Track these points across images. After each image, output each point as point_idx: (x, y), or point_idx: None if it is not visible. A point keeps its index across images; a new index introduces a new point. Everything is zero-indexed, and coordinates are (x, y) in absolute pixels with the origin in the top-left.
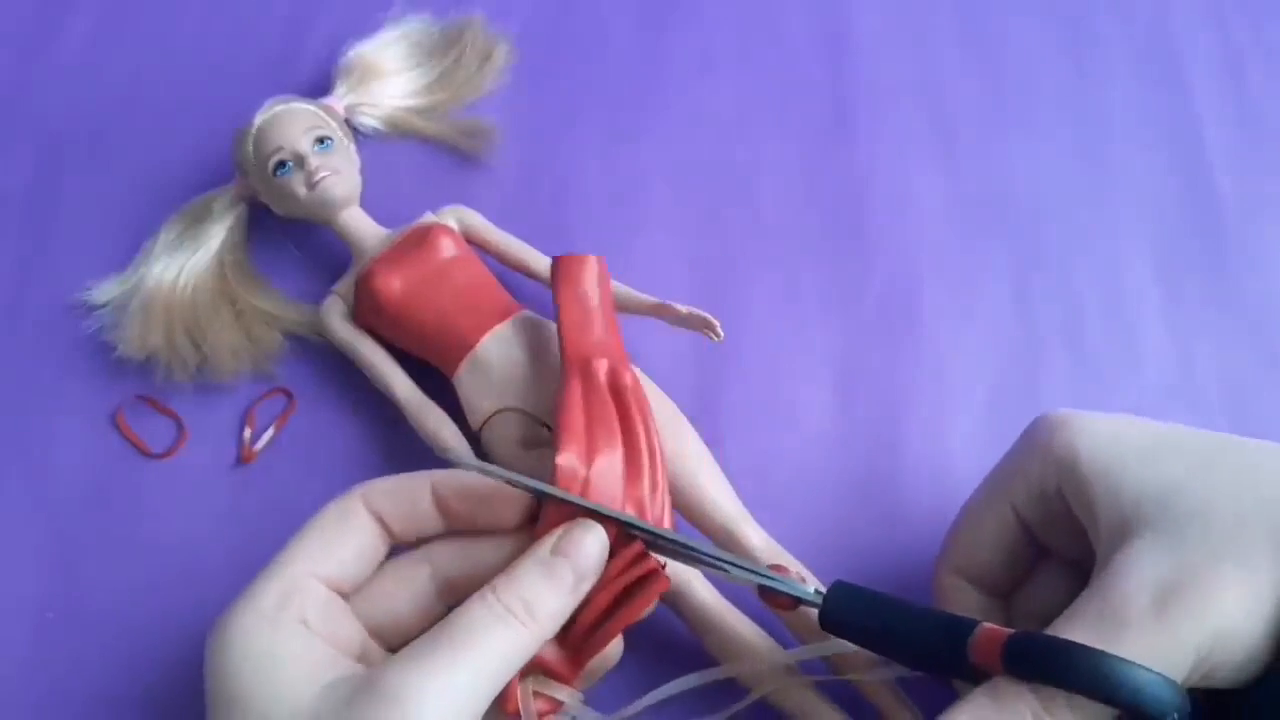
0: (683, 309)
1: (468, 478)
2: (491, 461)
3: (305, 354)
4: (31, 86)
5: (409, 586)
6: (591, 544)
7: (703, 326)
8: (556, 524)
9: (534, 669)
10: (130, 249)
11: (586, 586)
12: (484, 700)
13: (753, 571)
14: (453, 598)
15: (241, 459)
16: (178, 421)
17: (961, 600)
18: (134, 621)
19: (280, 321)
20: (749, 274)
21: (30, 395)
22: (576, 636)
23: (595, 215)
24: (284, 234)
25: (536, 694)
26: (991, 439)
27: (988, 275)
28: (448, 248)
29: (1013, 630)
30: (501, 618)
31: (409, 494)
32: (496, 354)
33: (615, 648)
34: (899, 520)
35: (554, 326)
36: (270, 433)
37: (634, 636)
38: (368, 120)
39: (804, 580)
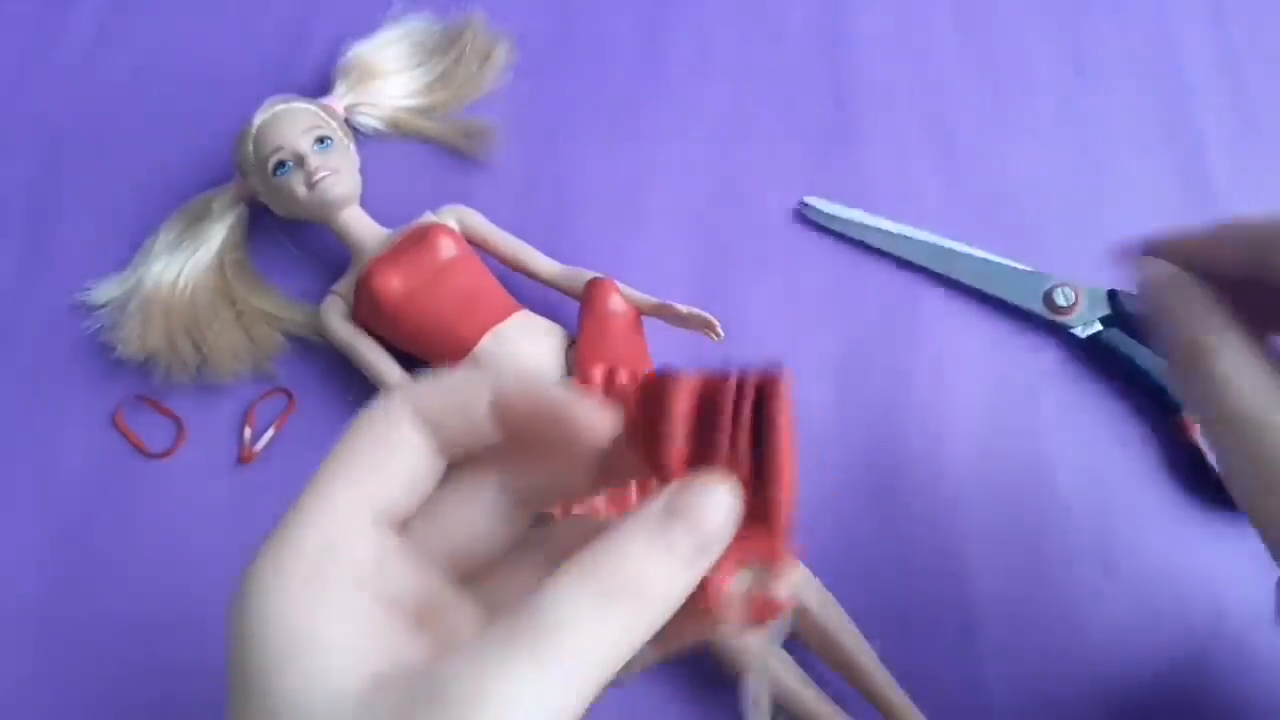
0: (683, 309)
1: (539, 387)
2: None
3: (305, 354)
4: (32, 86)
5: (476, 500)
6: (716, 507)
7: (703, 326)
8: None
9: (740, 563)
10: (130, 249)
11: (708, 561)
12: (584, 705)
13: None
14: (537, 505)
15: (241, 459)
16: (177, 421)
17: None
18: (134, 621)
19: (280, 322)
20: (749, 274)
21: (30, 395)
22: (747, 490)
23: (595, 215)
24: (284, 234)
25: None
26: (991, 438)
27: None
28: (448, 247)
29: None
30: (600, 603)
31: (463, 401)
32: (496, 354)
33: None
34: (898, 520)
35: (553, 325)
36: (270, 433)
37: None
38: (368, 120)
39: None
